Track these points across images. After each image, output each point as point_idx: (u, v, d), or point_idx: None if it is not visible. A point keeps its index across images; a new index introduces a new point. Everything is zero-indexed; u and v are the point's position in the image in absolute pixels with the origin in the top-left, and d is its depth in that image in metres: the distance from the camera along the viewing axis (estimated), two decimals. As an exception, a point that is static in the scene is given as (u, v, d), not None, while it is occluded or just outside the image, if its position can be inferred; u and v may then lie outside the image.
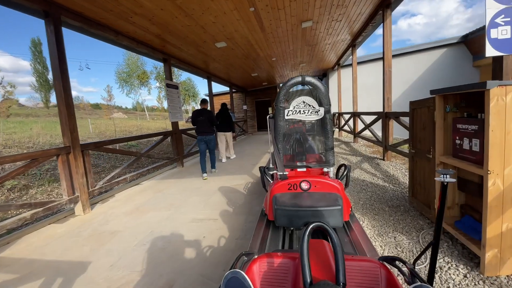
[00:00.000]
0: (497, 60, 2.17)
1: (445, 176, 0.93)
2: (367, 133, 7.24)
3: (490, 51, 2.03)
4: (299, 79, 1.83)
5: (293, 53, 7.76)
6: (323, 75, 12.98)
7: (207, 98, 7.50)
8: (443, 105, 2.15)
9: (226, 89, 13.42)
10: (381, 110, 5.20)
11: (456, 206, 2.27)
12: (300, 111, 1.93)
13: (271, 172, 2.07)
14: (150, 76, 37.64)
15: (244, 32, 5.28)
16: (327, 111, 1.89)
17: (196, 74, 8.78)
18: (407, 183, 3.66)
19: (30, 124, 15.66)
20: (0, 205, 2.90)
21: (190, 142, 8.18)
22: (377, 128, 6.45)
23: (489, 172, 1.64)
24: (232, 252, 2.24)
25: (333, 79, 11.44)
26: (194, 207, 3.45)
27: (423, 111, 2.59)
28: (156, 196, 4.10)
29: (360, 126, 7.63)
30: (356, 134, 7.75)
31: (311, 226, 0.90)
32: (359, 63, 10.10)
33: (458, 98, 2.11)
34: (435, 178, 1.16)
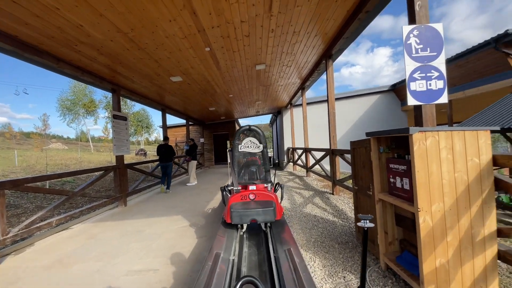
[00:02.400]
0: (418, 108, 2.54)
1: (365, 221, 0.98)
2: (318, 167, 7.64)
3: (411, 101, 2.37)
4: (247, 127, 3.08)
5: (249, 91, 8.13)
6: (278, 113, 13.76)
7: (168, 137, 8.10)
8: (377, 146, 2.37)
9: (183, 121, 13.16)
10: (328, 147, 5.60)
11: (396, 241, 2.40)
12: (248, 146, 3.08)
13: (229, 188, 3.09)
14: (99, 105, 35.11)
15: (201, 69, 5.38)
16: (264, 147, 3.07)
17: (150, 106, 8.46)
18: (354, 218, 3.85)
19: None
20: None
21: (138, 177, 7.50)
22: (327, 163, 6.88)
23: (419, 210, 1.78)
24: (172, 311, 1.92)
25: (286, 117, 12.18)
26: (132, 256, 3.00)
27: (361, 150, 2.82)
28: (87, 244, 3.49)
29: (311, 161, 8.04)
30: (308, 169, 8.10)
31: (241, 282, 0.91)
32: (308, 103, 11.08)
33: (389, 140, 2.37)
34: (357, 223, 1.24)
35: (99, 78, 5.22)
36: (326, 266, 2.50)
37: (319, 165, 6.95)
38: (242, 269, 1.94)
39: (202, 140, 15.62)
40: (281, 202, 2.81)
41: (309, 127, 8.98)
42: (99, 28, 3.36)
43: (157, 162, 7.93)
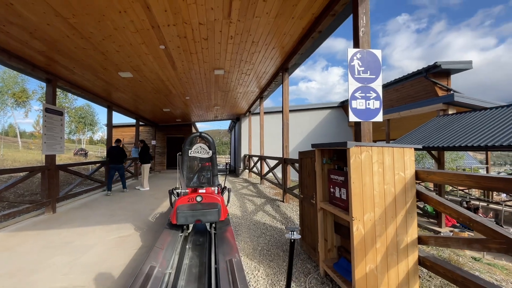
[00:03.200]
0: (357, 124, 2.77)
1: (292, 233, 1.00)
2: (271, 175, 7.81)
3: (352, 118, 2.58)
4: (198, 133, 3.40)
5: (207, 95, 7.97)
6: (237, 119, 13.79)
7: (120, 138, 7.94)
8: (321, 157, 2.51)
9: (132, 121, 12.22)
10: (281, 156, 5.77)
11: (334, 248, 2.54)
12: (198, 151, 3.31)
13: (176, 191, 3.18)
14: (33, 96, 30.54)
15: (154, 67, 5.08)
16: (213, 153, 3.33)
17: (94, 101, 7.66)
18: (301, 225, 3.99)
19: None
20: None
21: (71, 181, 6.62)
22: (279, 171, 7.08)
23: (353, 219, 1.91)
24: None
25: (245, 124, 12.27)
26: (54, 271, 2.58)
27: (307, 161, 2.96)
28: (-5, 259, 2.90)
29: (266, 168, 8.19)
30: (262, 176, 8.23)
31: None
32: (266, 112, 11.34)
33: (331, 152, 2.52)
34: (285, 235, 1.27)
35: (31, 65, 4.53)
36: (269, 275, 2.51)
37: (272, 173, 7.12)
38: (179, 283, 1.82)
39: (154, 142, 14.68)
40: (227, 204, 3.08)
41: (265, 136, 9.17)
42: (33, 8, 2.93)
43: (98, 164, 7.75)
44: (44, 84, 5.21)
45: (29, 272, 2.58)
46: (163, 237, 2.38)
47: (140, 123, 11.98)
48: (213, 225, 2.78)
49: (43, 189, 5.00)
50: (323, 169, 2.50)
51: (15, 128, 37.03)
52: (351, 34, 2.82)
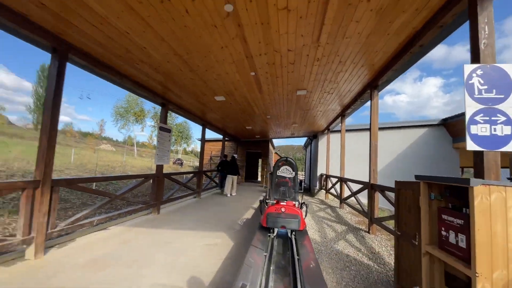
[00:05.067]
0: (478, 154, 2.26)
1: None
2: (353, 200, 7.19)
3: (471, 146, 2.13)
4: (285, 158, 4.14)
5: (287, 114, 8.18)
6: (313, 137, 13.53)
7: (235, 155, 10.69)
8: (428, 192, 2.15)
9: (220, 136, 13.65)
10: (367, 181, 5.26)
11: (445, 304, 2.08)
12: (284, 172, 4.08)
13: (266, 201, 3.94)
14: (147, 114, 38.56)
15: (243, 91, 5.61)
16: (296, 173, 4.04)
17: (192, 120, 8.98)
18: (392, 264, 3.46)
19: (11, 146, 14.99)
20: None
21: (174, 186, 7.83)
22: (363, 196, 6.44)
23: (477, 275, 1.53)
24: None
25: (322, 142, 11.87)
26: (158, 268, 3.06)
27: (408, 193, 2.59)
28: (120, 248, 3.67)
29: (346, 192, 7.61)
30: (342, 200, 7.67)
31: None
32: (347, 130, 10.69)
33: (442, 187, 2.13)
34: None
35: (152, 93, 5.74)
36: (357, 318, 2.25)
37: (355, 198, 6.54)
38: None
39: (235, 156, 15.92)
40: (305, 217, 3.54)
41: (346, 155, 8.60)
42: (159, 50, 3.75)
43: (191, 175, 9.03)
44: (155, 105, 6.47)
45: (141, 265, 3.12)
46: (250, 252, 2.60)
47: (226, 138, 13.26)
48: (293, 233, 3.24)
49: (152, 193, 6.10)
50: (431, 206, 2.13)
51: (132, 139, 47.11)
52: (452, 39, 2.44)
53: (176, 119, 40.90)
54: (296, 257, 2.55)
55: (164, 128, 6.20)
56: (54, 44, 3.34)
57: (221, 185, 10.45)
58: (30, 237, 3.13)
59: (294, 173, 4.03)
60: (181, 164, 31.79)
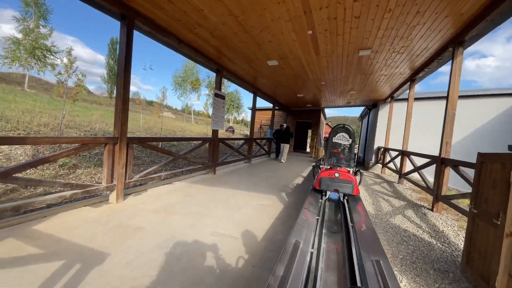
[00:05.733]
0: None
1: None
2: (414, 175, 6.52)
3: None
4: (342, 125, 3.94)
5: (344, 79, 7.52)
6: (373, 106, 12.34)
7: (284, 124, 11.29)
8: (528, 166, 1.76)
9: (269, 105, 13.56)
10: (437, 155, 4.63)
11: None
12: (340, 139, 3.90)
13: (320, 165, 4.10)
14: (202, 83, 40.41)
15: (298, 53, 5.28)
16: (353, 141, 3.84)
17: (244, 87, 9.03)
18: (460, 245, 3.12)
19: (92, 110, 17.68)
20: (48, 181, 3.19)
21: (226, 151, 8.31)
22: (427, 173, 5.76)
23: None
24: (246, 280, 2.06)
25: (383, 112, 10.76)
26: (217, 220, 3.38)
27: (495, 166, 2.17)
28: (184, 200, 4.15)
29: (408, 167, 6.92)
30: (402, 175, 7.03)
31: None
32: (415, 99, 9.36)
33: (550, 160, 1.71)
34: None
35: (208, 58, 5.86)
36: (415, 292, 2.14)
37: (419, 173, 5.90)
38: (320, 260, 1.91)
39: (285, 125, 15.78)
40: (359, 184, 3.57)
41: (411, 127, 7.65)
42: (215, 11, 3.70)
43: (242, 142, 9.54)
44: (209, 74, 6.67)
45: (203, 216, 3.49)
46: (307, 203, 2.97)
47: (276, 107, 13.11)
48: (346, 197, 3.29)
49: (209, 155, 6.57)
50: (529, 182, 1.76)
51: (190, 108, 50.55)
52: None
53: (228, 88, 42.00)
54: (349, 222, 2.52)
55: (219, 95, 6.39)
56: (123, 11, 3.58)
57: (277, 151, 11.36)
58: (112, 184, 3.74)
59: (350, 140, 3.86)
60: (233, 131, 33.23)
